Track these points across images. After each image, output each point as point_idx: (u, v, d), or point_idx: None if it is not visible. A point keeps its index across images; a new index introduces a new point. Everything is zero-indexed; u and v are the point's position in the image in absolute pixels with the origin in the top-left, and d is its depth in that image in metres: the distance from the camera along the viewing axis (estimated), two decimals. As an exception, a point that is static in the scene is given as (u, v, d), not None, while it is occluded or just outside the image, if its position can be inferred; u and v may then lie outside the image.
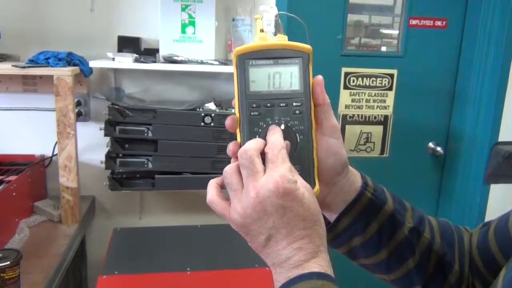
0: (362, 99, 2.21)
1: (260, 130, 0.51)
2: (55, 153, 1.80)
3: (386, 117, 2.25)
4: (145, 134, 1.70)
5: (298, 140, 0.52)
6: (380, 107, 2.23)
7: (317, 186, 0.52)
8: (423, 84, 2.24)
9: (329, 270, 0.46)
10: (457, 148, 2.30)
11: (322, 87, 0.52)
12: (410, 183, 2.34)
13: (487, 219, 2.23)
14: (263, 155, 0.49)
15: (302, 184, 0.48)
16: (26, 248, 1.49)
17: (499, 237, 0.60)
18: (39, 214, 1.74)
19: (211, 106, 1.75)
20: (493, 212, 2.26)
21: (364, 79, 2.19)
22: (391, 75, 2.20)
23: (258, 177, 0.47)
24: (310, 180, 0.52)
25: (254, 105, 0.51)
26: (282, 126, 0.51)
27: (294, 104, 0.52)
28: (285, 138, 0.50)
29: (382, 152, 2.29)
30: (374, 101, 2.22)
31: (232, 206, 0.49)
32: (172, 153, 1.72)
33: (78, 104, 1.84)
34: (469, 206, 2.27)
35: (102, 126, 1.71)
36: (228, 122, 0.52)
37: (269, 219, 0.46)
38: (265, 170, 0.47)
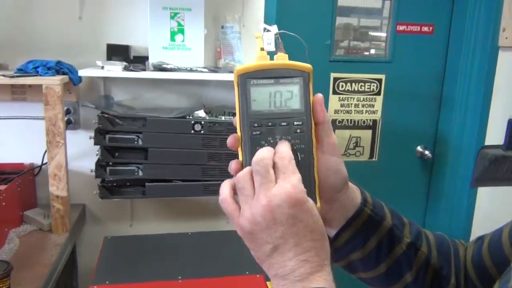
0: (351, 104, 2.23)
1: None
2: (44, 161, 1.79)
3: (374, 121, 2.27)
4: (135, 142, 1.69)
5: (300, 158, 0.52)
6: (369, 112, 2.26)
7: (318, 204, 0.53)
8: (411, 88, 2.27)
9: (333, 284, 0.47)
10: (444, 151, 2.33)
11: (322, 105, 0.53)
12: (399, 187, 2.37)
13: (474, 221, 2.28)
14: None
15: (309, 198, 0.49)
16: (16, 258, 1.48)
17: (492, 251, 0.62)
18: (29, 223, 1.73)
19: (201, 113, 1.76)
20: (480, 215, 2.29)
21: (353, 84, 2.21)
22: (379, 80, 2.23)
23: (270, 186, 0.47)
24: (311, 198, 0.52)
25: (256, 124, 0.52)
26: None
27: (295, 123, 0.52)
28: None
29: (371, 156, 2.31)
30: (362, 105, 2.24)
31: (241, 212, 0.49)
32: (163, 161, 1.72)
33: (68, 112, 1.83)
34: (457, 208, 2.30)
35: (92, 134, 1.70)
36: (230, 141, 0.53)
37: (278, 228, 0.47)
38: (276, 180, 0.48)
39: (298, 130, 0.52)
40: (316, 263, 0.47)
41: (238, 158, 0.53)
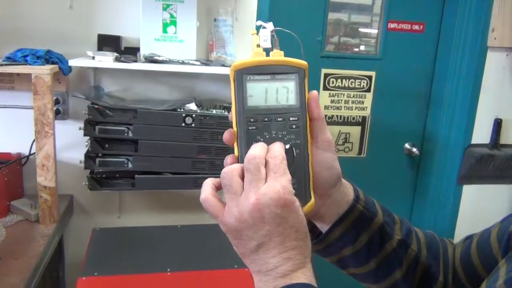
0: (341, 100, 2.24)
1: None
2: (32, 151, 1.77)
3: (364, 118, 2.29)
4: (126, 134, 1.68)
5: (295, 154, 0.53)
6: (359, 108, 2.27)
7: (312, 199, 0.54)
8: (400, 86, 2.29)
9: (313, 280, 0.48)
10: (432, 149, 2.36)
11: (317, 102, 0.54)
12: (386, 183, 2.39)
13: (459, 218, 2.32)
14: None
15: (296, 199, 0.49)
16: (2, 248, 1.47)
17: (481, 251, 0.63)
18: (15, 213, 1.71)
19: (192, 106, 1.75)
20: (465, 212, 2.33)
21: (343, 80, 2.22)
22: (370, 77, 2.24)
23: (260, 184, 0.47)
24: (306, 193, 0.53)
25: (252, 120, 0.52)
26: (287, 146, 0.52)
27: (291, 118, 0.53)
28: None
29: (360, 152, 2.33)
30: (352, 102, 2.26)
31: (227, 209, 0.49)
32: (152, 153, 1.71)
33: (57, 102, 1.81)
34: (443, 205, 2.34)
35: (81, 124, 1.69)
36: (226, 136, 0.53)
37: (265, 226, 0.47)
38: (266, 178, 0.48)
39: (294, 126, 0.53)
40: (298, 261, 0.48)
41: (233, 153, 0.53)
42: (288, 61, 0.54)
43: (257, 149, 0.49)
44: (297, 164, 0.53)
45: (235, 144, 0.53)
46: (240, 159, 0.52)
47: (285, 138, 0.52)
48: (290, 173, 0.50)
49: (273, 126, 0.52)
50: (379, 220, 0.62)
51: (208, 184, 0.52)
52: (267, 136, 0.52)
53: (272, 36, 0.55)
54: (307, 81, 0.54)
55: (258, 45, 0.55)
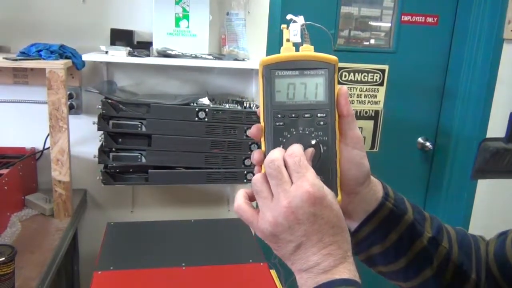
0: (354, 94, 2.23)
1: (284, 140, 0.52)
2: (46, 146, 1.78)
3: (376, 112, 2.27)
4: (139, 128, 1.68)
5: (322, 151, 0.52)
6: (371, 102, 2.25)
7: (339, 197, 0.53)
8: (414, 80, 2.27)
9: (356, 274, 0.48)
10: (445, 143, 2.33)
11: (346, 98, 0.53)
12: (399, 178, 2.36)
13: (473, 213, 2.29)
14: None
15: (328, 191, 0.49)
16: (18, 242, 1.48)
17: None
18: (30, 207, 1.72)
19: (205, 101, 1.75)
20: (479, 207, 2.31)
21: (356, 74, 2.20)
22: (383, 71, 2.22)
23: (287, 186, 0.47)
24: (332, 190, 0.52)
25: (279, 115, 0.52)
26: (313, 141, 0.52)
27: (319, 115, 0.52)
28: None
29: (372, 146, 2.32)
30: (365, 96, 2.24)
31: (261, 215, 0.49)
32: (166, 147, 1.71)
33: (70, 97, 1.81)
34: (457, 200, 2.32)
35: (94, 119, 1.69)
36: (252, 130, 0.53)
37: (301, 227, 0.47)
38: (291, 179, 0.48)
39: (322, 122, 0.52)
40: (339, 255, 0.47)
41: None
42: (317, 56, 0.53)
43: (274, 153, 0.49)
44: (324, 161, 0.52)
45: (262, 139, 0.53)
46: (266, 155, 0.51)
47: (312, 135, 0.52)
48: (317, 169, 0.50)
49: (300, 122, 0.52)
50: (409, 217, 0.60)
51: (241, 193, 0.52)
52: (294, 133, 0.52)
53: (303, 30, 0.54)
54: (336, 77, 0.53)
55: (288, 40, 0.54)
